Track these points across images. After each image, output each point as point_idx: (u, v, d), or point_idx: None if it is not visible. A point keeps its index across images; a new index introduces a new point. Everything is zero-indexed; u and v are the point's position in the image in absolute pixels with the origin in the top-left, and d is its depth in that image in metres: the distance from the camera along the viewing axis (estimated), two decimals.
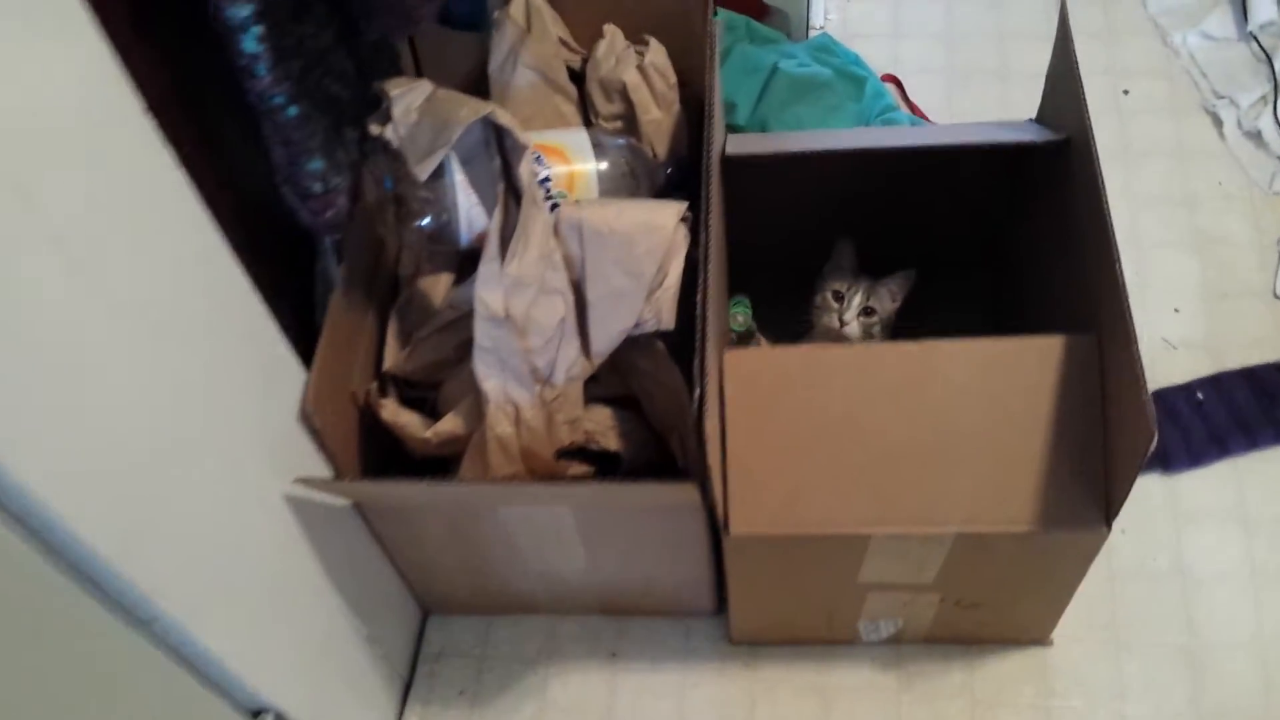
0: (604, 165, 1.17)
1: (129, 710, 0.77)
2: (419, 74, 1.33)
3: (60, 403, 0.67)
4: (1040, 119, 1.26)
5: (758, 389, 1.07)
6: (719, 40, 1.17)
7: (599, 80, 1.23)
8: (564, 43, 1.26)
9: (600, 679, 1.32)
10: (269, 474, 0.95)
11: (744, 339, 1.40)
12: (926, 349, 1.07)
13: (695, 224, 1.05)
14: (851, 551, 1.09)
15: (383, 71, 0.99)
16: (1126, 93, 1.72)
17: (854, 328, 1.33)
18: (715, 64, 1.12)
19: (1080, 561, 1.09)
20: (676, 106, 1.26)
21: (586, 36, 1.28)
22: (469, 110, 0.91)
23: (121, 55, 0.72)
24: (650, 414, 1.14)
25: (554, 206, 1.14)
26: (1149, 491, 1.38)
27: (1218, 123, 1.67)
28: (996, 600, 1.18)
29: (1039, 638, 1.27)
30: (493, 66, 1.23)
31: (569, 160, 1.14)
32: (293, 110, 0.83)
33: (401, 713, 1.31)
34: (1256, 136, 1.64)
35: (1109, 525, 1.01)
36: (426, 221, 1.12)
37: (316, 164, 0.88)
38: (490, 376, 0.99)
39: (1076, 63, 1.11)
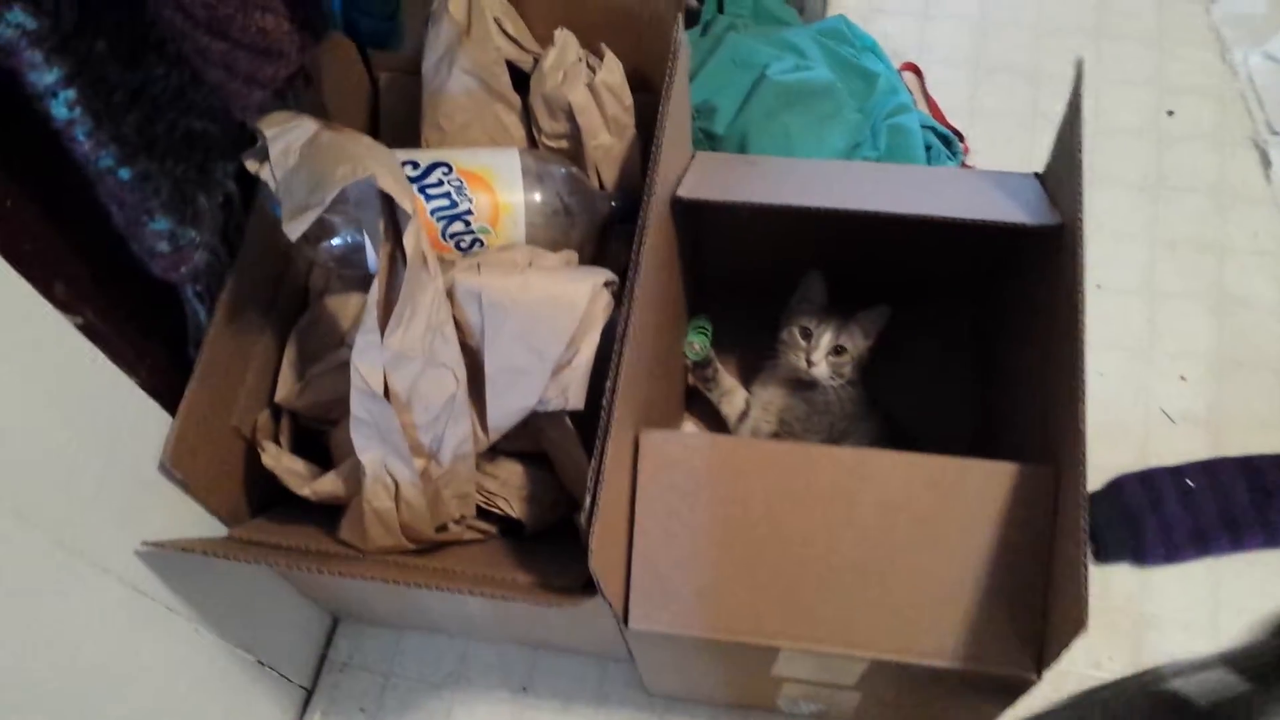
0: (536, 197, 1.04)
1: None
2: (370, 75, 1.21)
3: None
4: (1046, 176, 1.11)
5: (675, 476, 0.97)
6: (685, 53, 1.03)
7: (543, 95, 1.09)
8: (515, 40, 1.11)
9: (508, 713, 1.26)
10: (116, 534, 0.87)
11: (700, 367, 1.29)
12: (864, 457, 0.98)
13: (622, 288, 0.93)
14: (762, 655, 1.00)
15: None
16: (1171, 114, 1.55)
17: (822, 368, 1.22)
18: (674, 86, 0.98)
19: (1005, 698, 1.00)
20: (630, 130, 1.12)
21: (545, 30, 1.13)
22: (347, 169, 0.79)
23: None
24: (562, 476, 1.04)
25: (475, 242, 1.03)
26: (1115, 582, 1.27)
27: (1266, 162, 1.50)
28: (924, 709, 1.10)
29: None
30: (426, 66, 1.10)
31: (494, 190, 1.02)
32: (124, 172, 0.72)
33: None
34: None
35: (1040, 673, 0.92)
36: (335, 242, 1.02)
37: (160, 224, 0.77)
38: (368, 449, 0.89)
39: (1080, 148, 0.97)
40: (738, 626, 0.96)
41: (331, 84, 1.13)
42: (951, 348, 1.35)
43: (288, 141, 0.84)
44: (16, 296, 0.74)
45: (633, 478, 0.97)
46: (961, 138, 1.51)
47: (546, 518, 1.06)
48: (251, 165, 0.85)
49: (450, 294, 0.90)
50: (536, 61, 1.10)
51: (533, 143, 1.13)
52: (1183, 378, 1.38)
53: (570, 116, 1.08)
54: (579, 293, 0.91)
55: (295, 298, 1.09)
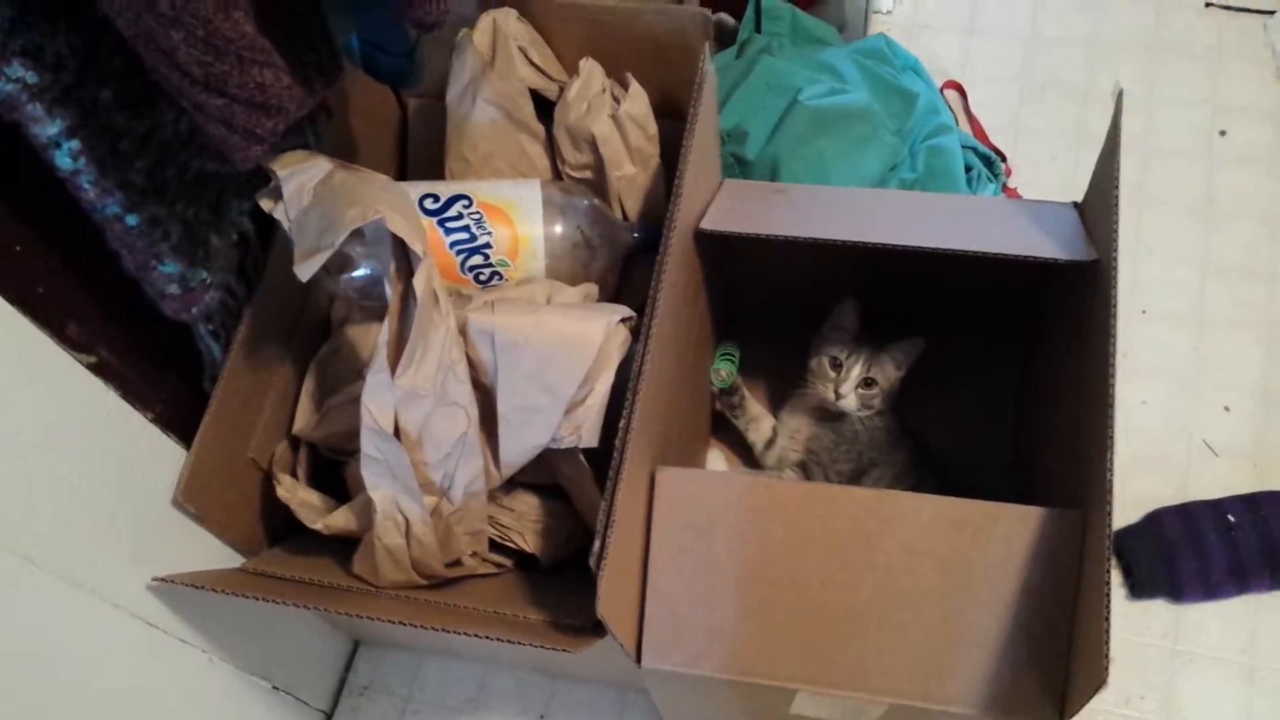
0: (556, 229, 1.03)
1: None
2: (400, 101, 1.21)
3: None
4: (1084, 207, 1.08)
5: (690, 514, 0.96)
6: (712, 84, 1.01)
7: (567, 127, 1.08)
8: (540, 69, 1.10)
9: None
10: (128, 570, 0.88)
11: (727, 394, 1.28)
12: (886, 499, 0.96)
13: (639, 325, 0.92)
14: (779, 695, 0.99)
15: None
16: (1223, 134, 1.50)
17: (850, 400, 1.20)
18: (699, 118, 0.96)
19: None
20: (655, 161, 1.10)
21: (572, 58, 1.12)
22: (357, 211, 0.78)
23: None
24: (578, 510, 1.03)
25: (494, 275, 1.02)
26: (1151, 618, 1.24)
27: None
28: None
29: None
30: (450, 96, 1.09)
31: (514, 223, 1.01)
32: (131, 219, 0.72)
33: None
34: None
35: None
36: (356, 274, 1.01)
37: (169, 268, 0.77)
38: (379, 486, 0.89)
39: (1117, 183, 0.93)
40: (753, 667, 0.94)
41: (360, 111, 1.13)
42: (993, 379, 1.32)
43: (301, 181, 0.83)
44: (25, 341, 0.74)
45: (648, 514, 0.95)
46: (1004, 158, 1.47)
47: (562, 551, 1.05)
48: (266, 204, 0.85)
49: (463, 333, 0.89)
50: (562, 91, 1.09)
51: (557, 173, 1.12)
52: (1227, 408, 1.33)
53: (594, 148, 1.07)
54: (593, 331, 0.90)
55: (316, 328, 1.09)
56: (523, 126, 1.09)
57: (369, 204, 0.80)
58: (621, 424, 0.86)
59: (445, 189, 1.03)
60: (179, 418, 0.92)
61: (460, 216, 1.01)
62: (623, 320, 0.94)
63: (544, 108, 1.12)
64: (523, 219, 1.02)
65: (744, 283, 1.31)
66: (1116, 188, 0.94)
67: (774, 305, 1.34)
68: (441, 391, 0.87)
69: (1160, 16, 1.59)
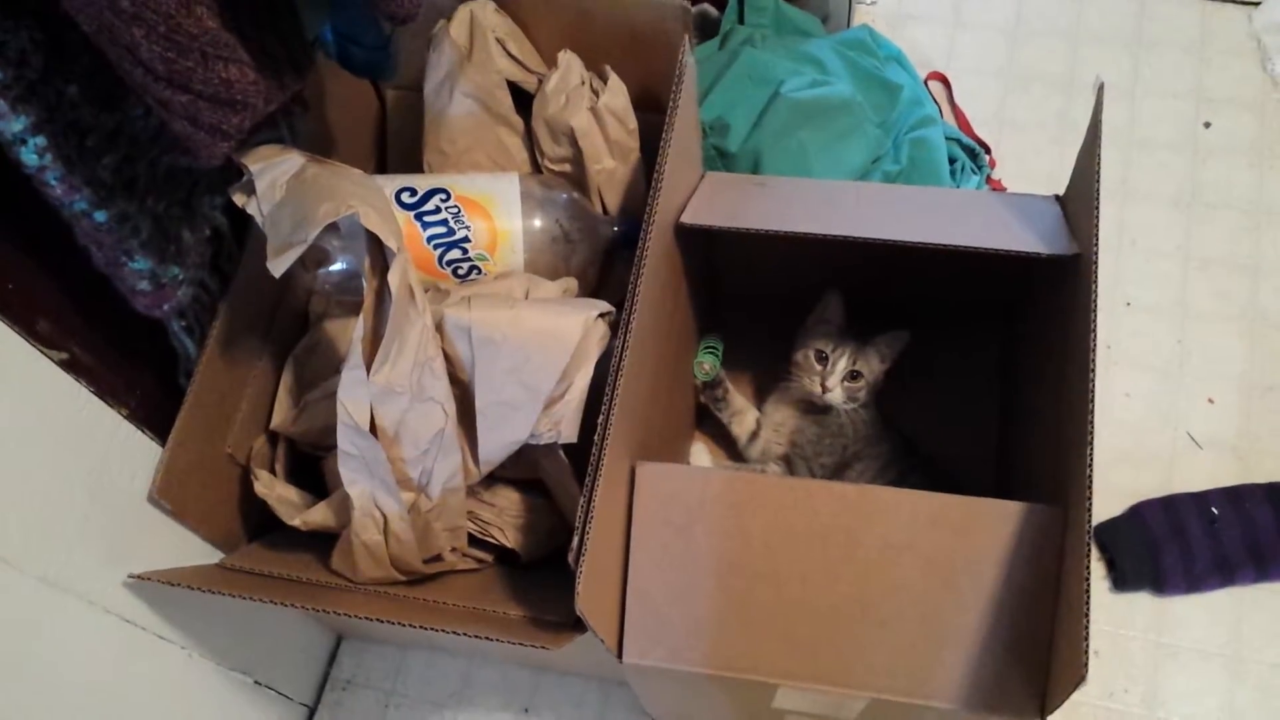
0: (535, 223, 1.02)
1: None
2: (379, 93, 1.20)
3: None
4: (1066, 200, 1.08)
5: (670, 509, 0.96)
6: (692, 76, 1.00)
7: (545, 120, 1.07)
8: (519, 62, 1.09)
9: None
10: (103, 567, 0.87)
11: (710, 387, 1.27)
12: (866, 494, 0.96)
13: (618, 319, 0.91)
14: (761, 689, 0.99)
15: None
16: (1208, 125, 1.49)
17: (836, 394, 1.20)
18: (679, 111, 0.96)
19: None
20: (635, 154, 1.10)
21: (551, 50, 1.11)
22: (330, 206, 0.77)
23: None
24: (558, 506, 1.03)
25: (472, 269, 1.02)
26: (1134, 611, 1.24)
27: None
28: None
29: None
30: (428, 89, 1.08)
31: (492, 217, 1.01)
32: (100, 215, 0.71)
33: None
34: None
35: (1043, 717, 0.90)
36: (334, 269, 1.01)
37: (140, 264, 0.76)
38: (356, 482, 0.88)
39: (1098, 178, 0.93)
40: (734, 663, 0.94)
41: (339, 104, 1.12)
42: (977, 370, 1.32)
43: (274, 176, 0.82)
44: None
45: (628, 510, 0.95)
46: (988, 150, 1.47)
47: (543, 546, 1.04)
48: (239, 199, 0.84)
49: (439, 328, 0.89)
50: (540, 83, 1.08)
51: (536, 166, 1.12)
52: (1210, 400, 1.33)
53: (573, 141, 1.06)
54: (571, 326, 0.89)
55: (293, 323, 1.08)
56: (501, 119, 1.08)
57: (342, 199, 0.79)
58: (600, 419, 0.86)
59: (423, 182, 1.02)
60: (154, 414, 0.91)
61: (438, 210, 1.00)
62: (601, 315, 0.94)
63: (523, 100, 1.11)
64: (501, 213, 1.01)
65: (727, 276, 1.31)
66: (1097, 181, 0.94)
67: (758, 298, 1.33)
68: (418, 388, 0.86)
69: (1145, 8, 1.58)
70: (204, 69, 0.63)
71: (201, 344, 0.94)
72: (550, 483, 1.01)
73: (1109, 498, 1.28)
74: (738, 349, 1.30)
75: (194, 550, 0.99)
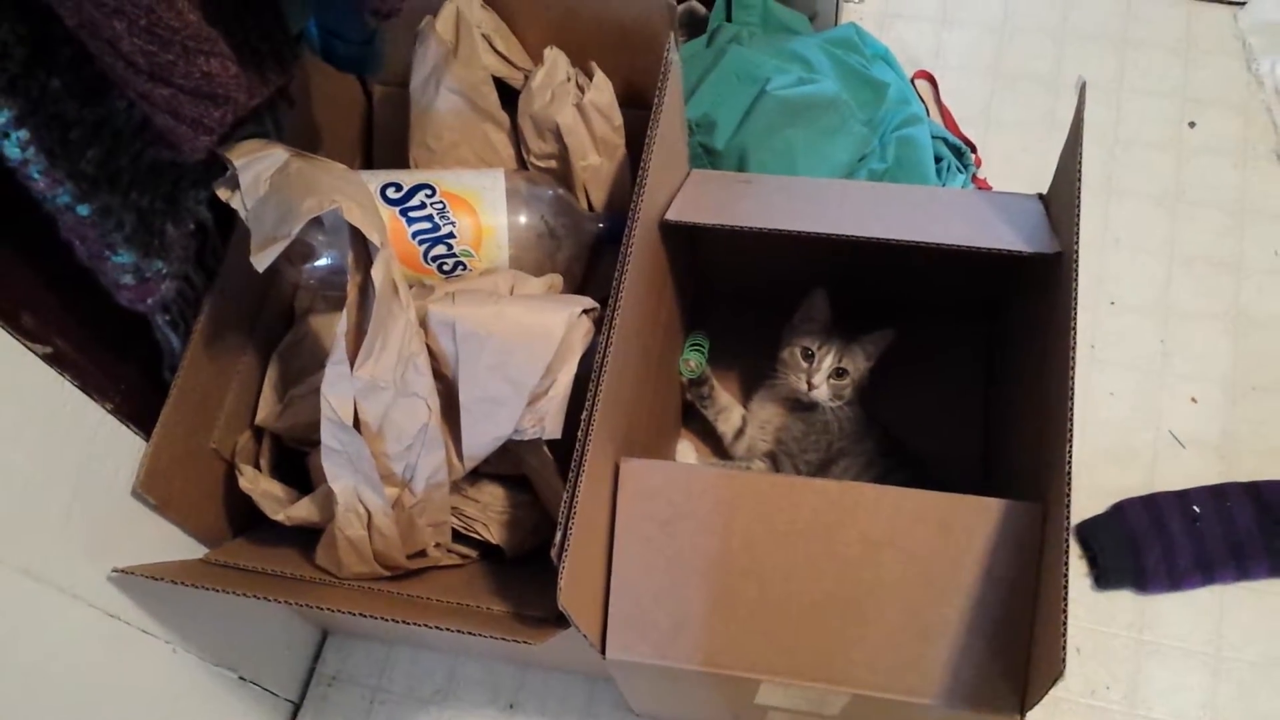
0: (520, 219, 1.03)
1: None
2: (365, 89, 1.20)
3: None
4: (1049, 198, 1.08)
5: (654, 505, 0.96)
6: (677, 73, 1.01)
7: (531, 116, 1.07)
8: (505, 58, 1.09)
9: None
10: (86, 561, 0.87)
11: (696, 384, 1.28)
12: (848, 490, 0.96)
13: (603, 316, 0.92)
14: (744, 685, 0.99)
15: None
16: (1193, 125, 1.50)
17: (823, 391, 1.20)
18: (664, 108, 0.96)
19: None
20: (620, 151, 1.10)
21: (537, 46, 1.11)
22: (314, 201, 0.77)
23: None
24: (542, 501, 1.03)
25: (458, 265, 1.02)
26: (1116, 609, 1.25)
27: None
28: None
29: None
30: (414, 84, 1.08)
31: (477, 213, 1.01)
32: (83, 209, 0.71)
33: None
34: None
35: (1023, 713, 0.90)
36: (319, 264, 1.01)
37: (123, 257, 0.76)
38: (340, 477, 0.89)
39: (1079, 177, 0.93)
40: (717, 659, 0.94)
41: (325, 99, 1.12)
42: (961, 368, 1.33)
43: (257, 170, 0.83)
44: None
45: (612, 506, 0.95)
46: (974, 149, 1.47)
47: (527, 542, 1.04)
48: (223, 194, 0.84)
49: (423, 324, 0.89)
50: (526, 79, 1.09)
51: (522, 163, 1.12)
52: (1193, 399, 1.34)
53: (558, 137, 1.07)
54: (555, 322, 0.89)
55: (279, 318, 1.08)
56: (487, 115, 1.08)
57: (325, 193, 0.79)
58: (584, 415, 0.86)
59: (408, 178, 1.02)
60: (138, 408, 0.91)
61: (423, 206, 1.00)
62: (586, 311, 0.94)
63: (509, 96, 1.11)
64: (486, 209, 1.01)
65: (713, 273, 1.31)
66: (1079, 180, 0.94)
67: (743, 295, 1.34)
68: (402, 383, 0.86)
69: (1131, 8, 1.59)
70: (185, 63, 0.63)
71: (186, 338, 0.94)
72: (534, 478, 1.01)
73: (1092, 496, 1.28)
74: (723, 346, 1.31)
75: (179, 545, 0.99)
